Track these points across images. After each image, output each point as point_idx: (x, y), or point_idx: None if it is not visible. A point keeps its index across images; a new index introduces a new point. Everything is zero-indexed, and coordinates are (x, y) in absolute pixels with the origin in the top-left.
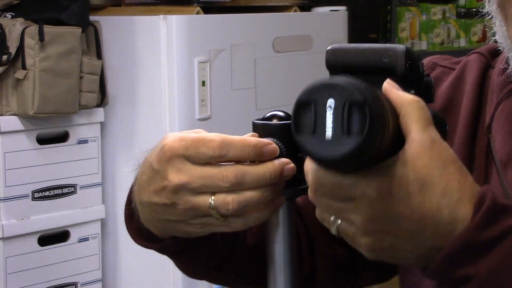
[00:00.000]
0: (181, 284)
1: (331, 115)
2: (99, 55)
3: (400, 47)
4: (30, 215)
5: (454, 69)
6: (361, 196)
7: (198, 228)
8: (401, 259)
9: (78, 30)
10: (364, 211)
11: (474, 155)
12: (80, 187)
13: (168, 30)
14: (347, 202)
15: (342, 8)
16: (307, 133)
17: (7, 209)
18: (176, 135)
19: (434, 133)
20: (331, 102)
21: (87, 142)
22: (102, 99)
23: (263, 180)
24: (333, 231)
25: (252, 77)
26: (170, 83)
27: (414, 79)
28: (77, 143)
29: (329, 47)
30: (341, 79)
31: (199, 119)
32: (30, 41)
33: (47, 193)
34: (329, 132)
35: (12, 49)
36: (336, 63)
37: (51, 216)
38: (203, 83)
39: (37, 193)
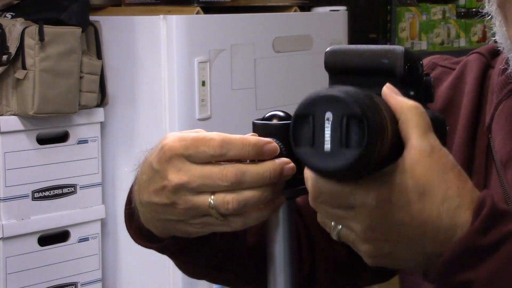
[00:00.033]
0: (181, 284)
1: (329, 128)
2: (99, 55)
3: (399, 48)
4: (30, 215)
5: (454, 69)
6: (361, 205)
7: (198, 228)
8: (401, 265)
9: (78, 30)
10: (364, 219)
11: (474, 155)
12: (80, 187)
13: (168, 30)
14: (347, 210)
15: (342, 8)
16: (306, 145)
17: (7, 209)
18: (176, 135)
19: (433, 139)
20: (329, 115)
21: (87, 142)
22: (102, 99)
23: (262, 180)
24: (334, 236)
25: (252, 77)
26: (170, 83)
27: (413, 80)
28: (77, 143)
29: (328, 49)
30: (338, 91)
31: (199, 119)
32: (30, 41)
33: (47, 193)
34: (327, 145)
35: (12, 49)
36: (335, 64)
37: (51, 216)
38: (203, 83)
39: (37, 193)
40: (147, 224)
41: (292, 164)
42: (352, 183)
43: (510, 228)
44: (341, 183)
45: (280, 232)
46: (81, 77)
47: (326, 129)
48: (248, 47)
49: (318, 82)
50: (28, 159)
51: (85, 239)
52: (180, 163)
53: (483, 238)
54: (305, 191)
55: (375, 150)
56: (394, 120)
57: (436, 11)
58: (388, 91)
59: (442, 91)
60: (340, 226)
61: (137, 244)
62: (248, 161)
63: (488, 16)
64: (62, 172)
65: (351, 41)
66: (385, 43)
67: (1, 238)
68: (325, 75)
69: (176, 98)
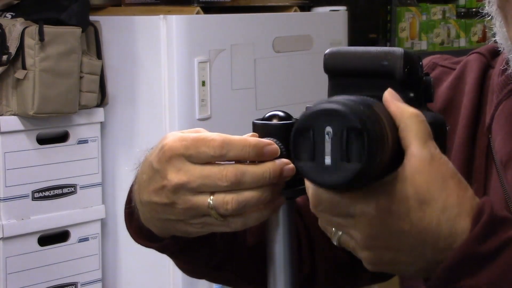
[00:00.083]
0: (181, 284)
1: (329, 142)
2: (99, 55)
3: (398, 50)
4: (30, 215)
5: (454, 69)
6: (361, 214)
7: (197, 228)
8: (401, 272)
9: (78, 30)
10: (364, 228)
11: (474, 155)
12: (80, 187)
13: (168, 30)
14: (347, 218)
15: (342, 8)
16: (306, 159)
17: (7, 209)
18: (176, 135)
19: (433, 147)
20: (329, 129)
21: (87, 142)
22: (102, 99)
23: (262, 180)
24: (335, 242)
25: (252, 77)
26: (170, 83)
27: (413, 81)
28: (77, 143)
29: (327, 51)
30: (338, 103)
31: (199, 119)
32: (30, 41)
33: (47, 193)
34: (328, 159)
35: (12, 49)
36: (335, 67)
37: (51, 216)
38: (203, 83)
39: (37, 193)
40: (147, 223)
41: (292, 165)
42: (352, 193)
43: (509, 235)
44: (341, 193)
45: (280, 232)
46: (81, 77)
47: (326, 143)
48: (248, 47)
49: (318, 82)
50: (28, 159)
51: (85, 239)
52: (180, 163)
53: (483, 245)
54: (305, 191)
55: (375, 163)
56: (394, 127)
57: (436, 11)
58: (389, 97)
59: (442, 91)
60: (341, 233)
61: (137, 244)
62: (248, 161)
63: (488, 17)
64: (62, 172)
65: (351, 41)
66: (385, 43)
67: (1, 238)
68: (325, 76)
69: (176, 98)
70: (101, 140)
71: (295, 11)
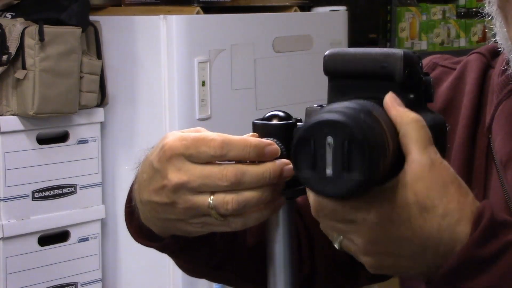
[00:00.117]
0: (181, 284)
1: (331, 153)
2: (99, 55)
3: (398, 53)
4: (30, 215)
5: (454, 69)
6: (362, 221)
7: (197, 227)
8: (403, 275)
9: (78, 30)
10: (365, 234)
11: (474, 155)
12: (80, 187)
13: (168, 30)
14: (348, 224)
15: (342, 8)
16: (307, 168)
17: (7, 209)
18: (176, 134)
19: (433, 153)
20: (330, 139)
21: (87, 142)
22: (102, 99)
23: (262, 180)
24: (336, 246)
25: (252, 77)
26: (170, 83)
27: (413, 83)
28: (77, 143)
29: (326, 53)
30: (338, 112)
31: (199, 119)
32: (30, 41)
33: (47, 193)
34: (329, 170)
35: (12, 49)
36: (334, 69)
37: (51, 216)
38: (203, 83)
39: (37, 193)
40: (147, 222)
41: (291, 165)
42: (354, 201)
43: (509, 238)
44: (343, 201)
45: (280, 232)
46: (81, 77)
47: (327, 153)
48: (248, 47)
49: (318, 82)
50: (28, 159)
51: (85, 239)
52: (180, 163)
53: (483, 248)
54: (305, 191)
55: (377, 172)
56: (395, 132)
57: (436, 11)
58: (389, 101)
59: (442, 91)
60: (342, 237)
61: (137, 244)
62: (248, 161)
63: (488, 17)
64: (62, 172)
65: (351, 41)
66: (385, 43)
67: (1, 238)
68: (325, 76)
69: (176, 98)
70: (101, 140)
71: (295, 11)
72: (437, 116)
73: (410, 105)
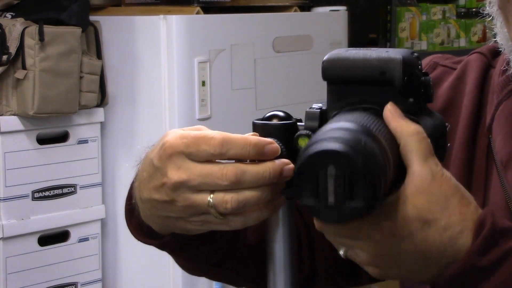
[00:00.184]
0: (181, 284)
1: (332, 182)
2: (99, 55)
3: (397, 58)
4: (30, 215)
5: (455, 69)
6: (365, 238)
7: (197, 226)
8: (407, 280)
9: (78, 30)
10: (369, 249)
11: (475, 155)
12: (80, 187)
13: (168, 30)
14: (352, 240)
15: (342, 8)
16: (310, 196)
17: (7, 209)
18: (177, 132)
19: (434, 165)
20: (331, 169)
21: (87, 142)
22: (102, 99)
23: (262, 180)
24: (342, 255)
25: (252, 77)
26: (170, 83)
27: (412, 87)
28: (77, 143)
29: (325, 57)
30: (340, 142)
31: (199, 119)
32: (30, 41)
33: (47, 193)
34: (331, 198)
35: (12, 49)
36: (333, 75)
37: (51, 216)
38: (203, 83)
39: (37, 193)
40: (147, 220)
41: (292, 165)
42: (356, 220)
43: (510, 246)
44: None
45: (280, 232)
46: (81, 77)
47: (329, 182)
48: (248, 47)
49: (318, 82)
50: (28, 159)
51: (85, 239)
52: (180, 161)
53: (483, 257)
54: None
55: (379, 197)
56: (395, 145)
57: (436, 11)
58: (390, 113)
59: (443, 91)
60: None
61: (137, 244)
62: (248, 161)
63: (489, 17)
64: (62, 172)
65: (351, 41)
66: (385, 43)
67: (1, 238)
68: None
69: (176, 98)
70: (101, 140)
71: (295, 11)
72: (437, 118)
73: (409, 109)
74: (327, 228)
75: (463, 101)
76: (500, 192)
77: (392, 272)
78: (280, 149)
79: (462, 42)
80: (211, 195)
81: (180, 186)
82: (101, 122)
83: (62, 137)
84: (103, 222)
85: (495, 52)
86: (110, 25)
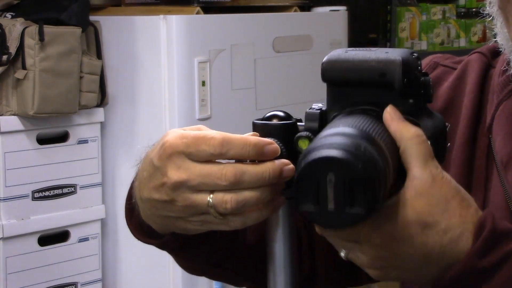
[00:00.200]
0: (181, 284)
1: (332, 189)
2: (99, 55)
3: (397, 60)
4: (30, 215)
5: (455, 69)
6: (365, 241)
7: (197, 226)
8: (408, 283)
9: (78, 30)
10: (369, 252)
11: (475, 155)
12: (80, 187)
13: (168, 30)
14: (353, 243)
15: (342, 8)
16: (310, 203)
17: (7, 209)
18: (177, 132)
19: (434, 168)
20: (331, 176)
21: (87, 142)
22: (102, 99)
23: (262, 180)
24: (343, 257)
25: (252, 77)
26: (170, 83)
27: (412, 89)
28: (77, 143)
29: (324, 59)
30: (339, 149)
31: (199, 119)
32: (30, 41)
33: (47, 193)
34: (331, 205)
35: (12, 49)
36: (333, 77)
37: (51, 216)
38: (203, 83)
39: (37, 193)
40: (147, 220)
41: (291, 166)
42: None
43: (510, 248)
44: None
45: (280, 232)
46: (81, 77)
47: (329, 189)
48: (248, 47)
49: (318, 82)
50: (28, 159)
51: (85, 239)
52: (180, 161)
53: (483, 259)
54: None
55: (379, 203)
56: (395, 148)
57: (436, 11)
58: (389, 116)
59: (443, 90)
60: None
61: (137, 244)
62: (248, 161)
63: (489, 17)
64: (62, 172)
65: (351, 41)
66: (385, 43)
67: (1, 238)
68: None
69: (176, 98)
70: (101, 140)
71: (295, 11)
72: (437, 118)
73: (409, 110)
74: (328, 232)
75: (463, 101)
76: (500, 192)
77: (393, 274)
78: (280, 150)
79: (462, 42)
80: (211, 195)
81: (180, 186)
82: (101, 122)
83: (62, 137)
84: (103, 222)
85: (496, 52)
86: (110, 25)
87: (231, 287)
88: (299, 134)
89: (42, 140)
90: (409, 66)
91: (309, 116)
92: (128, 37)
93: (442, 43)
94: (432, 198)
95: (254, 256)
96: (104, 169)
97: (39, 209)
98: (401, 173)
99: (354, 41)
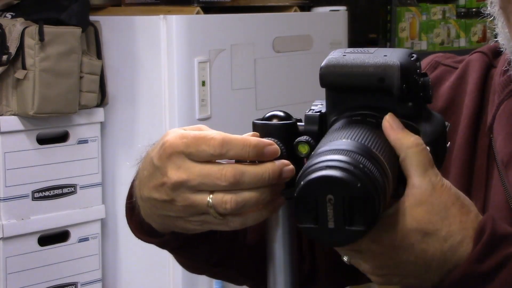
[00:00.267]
0: (181, 284)
1: (332, 208)
2: (99, 55)
3: (395, 65)
4: (30, 215)
5: (456, 68)
6: (367, 251)
7: (196, 225)
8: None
9: (78, 30)
10: (371, 261)
11: (476, 155)
12: (80, 187)
13: (168, 30)
14: (355, 252)
15: (342, 8)
16: (309, 221)
17: (7, 209)
18: (177, 132)
19: (434, 176)
20: (330, 196)
21: (87, 142)
22: (102, 99)
23: (261, 181)
24: (346, 262)
25: (252, 77)
26: (170, 83)
27: (411, 93)
28: (77, 143)
29: (322, 64)
30: (337, 169)
31: (199, 119)
32: (30, 41)
33: (47, 193)
34: (331, 223)
35: (12, 49)
36: (331, 82)
37: (51, 216)
38: (203, 83)
39: (37, 193)
40: (147, 219)
41: (291, 166)
42: None
43: (509, 251)
44: None
45: (280, 232)
46: (81, 77)
47: (328, 208)
48: (248, 47)
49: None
50: (28, 159)
51: (85, 239)
52: (180, 161)
53: (483, 264)
54: None
55: (378, 219)
56: (394, 157)
57: (436, 11)
58: (389, 125)
59: (444, 90)
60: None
61: (137, 244)
62: (248, 161)
63: (490, 17)
64: (62, 172)
65: (351, 41)
66: (385, 43)
67: (1, 238)
68: None
69: (176, 98)
70: (101, 140)
71: (295, 11)
72: (437, 120)
73: (409, 113)
74: None
75: (464, 100)
76: (501, 192)
77: (395, 280)
78: (280, 150)
79: (462, 42)
80: (211, 196)
81: (179, 186)
82: (101, 122)
83: (62, 137)
84: (103, 222)
85: (497, 52)
86: (110, 25)
87: (232, 286)
88: (298, 139)
89: (42, 140)
90: (408, 70)
91: (308, 119)
92: (128, 37)
93: (442, 43)
94: (432, 206)
95: (254, 256)
96: (104, 169)
97: (39, 209)
98: (401, 181)
99: (354, 41)
